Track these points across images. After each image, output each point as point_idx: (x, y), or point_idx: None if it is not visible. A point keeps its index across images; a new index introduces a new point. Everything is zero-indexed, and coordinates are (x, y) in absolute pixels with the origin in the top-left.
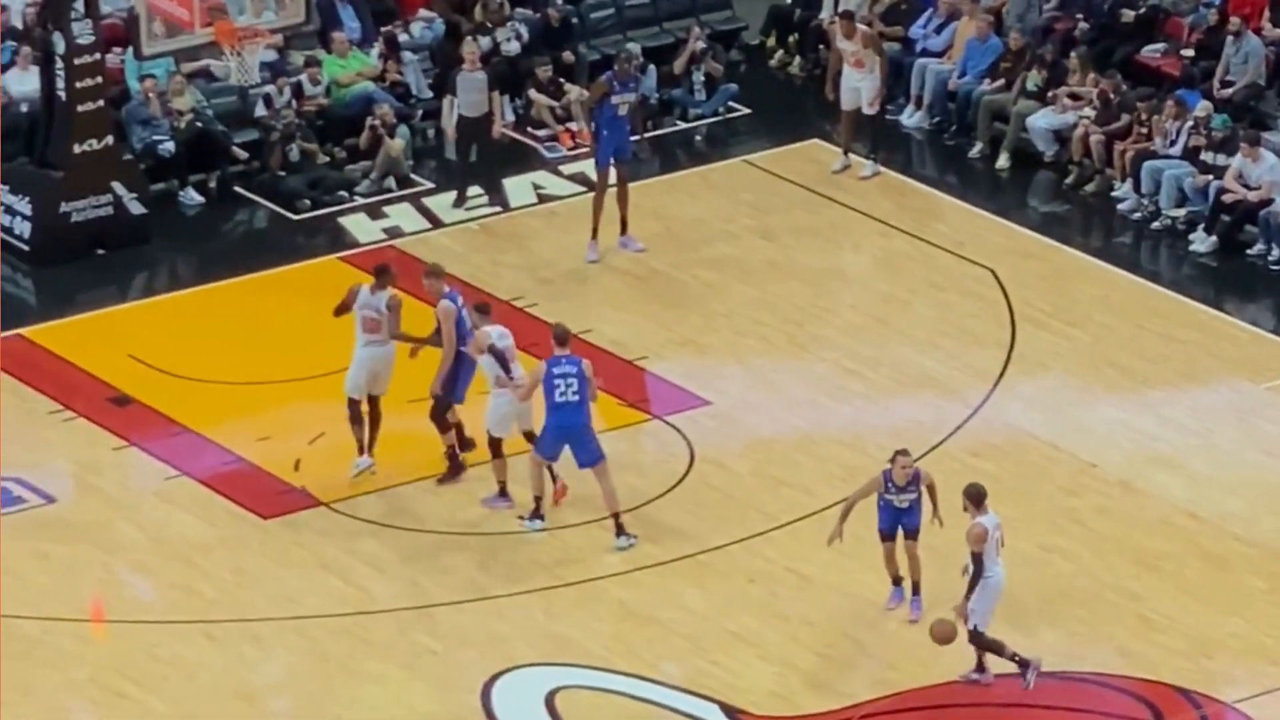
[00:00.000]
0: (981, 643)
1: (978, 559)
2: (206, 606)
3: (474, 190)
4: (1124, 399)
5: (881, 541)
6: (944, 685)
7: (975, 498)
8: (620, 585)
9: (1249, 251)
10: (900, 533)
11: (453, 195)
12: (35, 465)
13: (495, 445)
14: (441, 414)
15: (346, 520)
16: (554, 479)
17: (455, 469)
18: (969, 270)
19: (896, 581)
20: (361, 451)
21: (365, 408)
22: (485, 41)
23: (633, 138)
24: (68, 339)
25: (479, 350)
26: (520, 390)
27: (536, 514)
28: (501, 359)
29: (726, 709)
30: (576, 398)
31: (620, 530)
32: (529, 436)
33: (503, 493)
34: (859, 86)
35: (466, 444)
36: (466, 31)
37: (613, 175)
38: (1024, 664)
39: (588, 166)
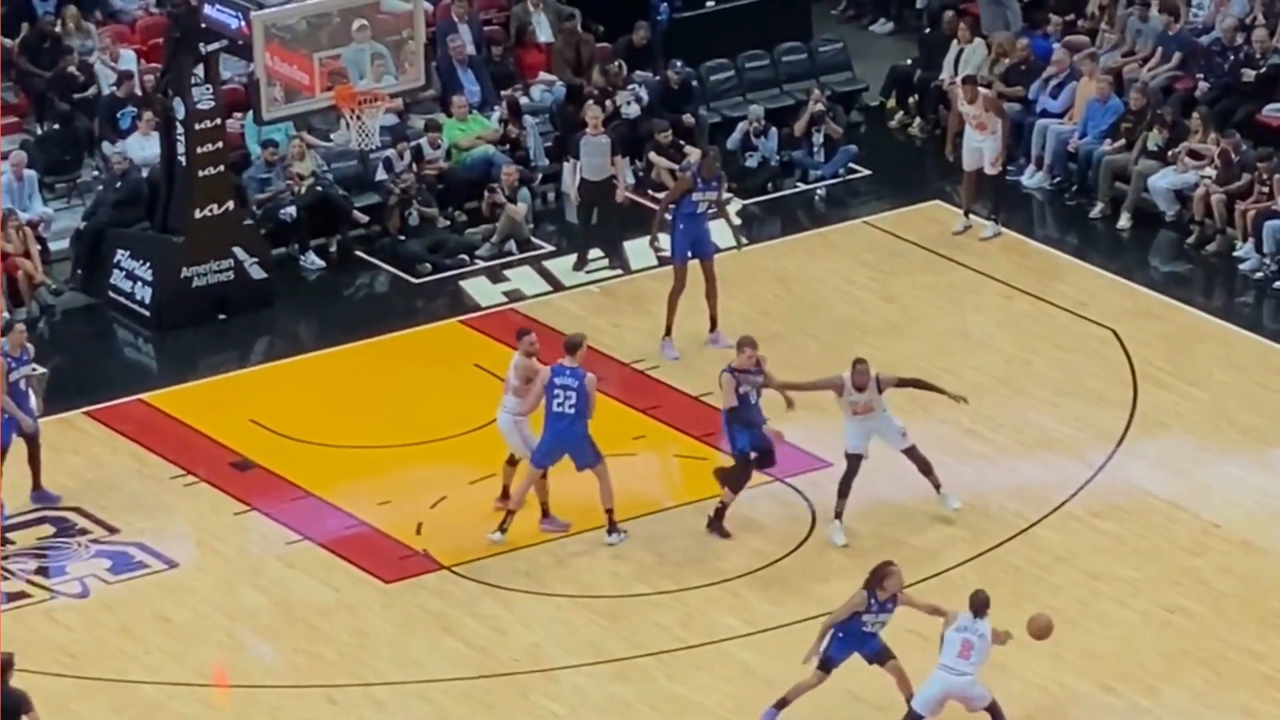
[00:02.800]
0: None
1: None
2: (329, 670)
3: (595, 253)
4: (1246, 458)
5: (821, 669)
6: None
7: (977, 605)
8: (743, 647)
9: None
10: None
11: (573, 258)
12: (157, 530)
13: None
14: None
15: (468, 584)
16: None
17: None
18: (1090, 330)
19: (784, 704)
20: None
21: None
22: (605, 105)
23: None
24: (189, 404)
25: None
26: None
27: (503, 529)
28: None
29: None
30: (573, 410)
31: (612, 527)
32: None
33: (546, 514)
34: (980, 147)
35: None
36: (588, 95)
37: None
38: None
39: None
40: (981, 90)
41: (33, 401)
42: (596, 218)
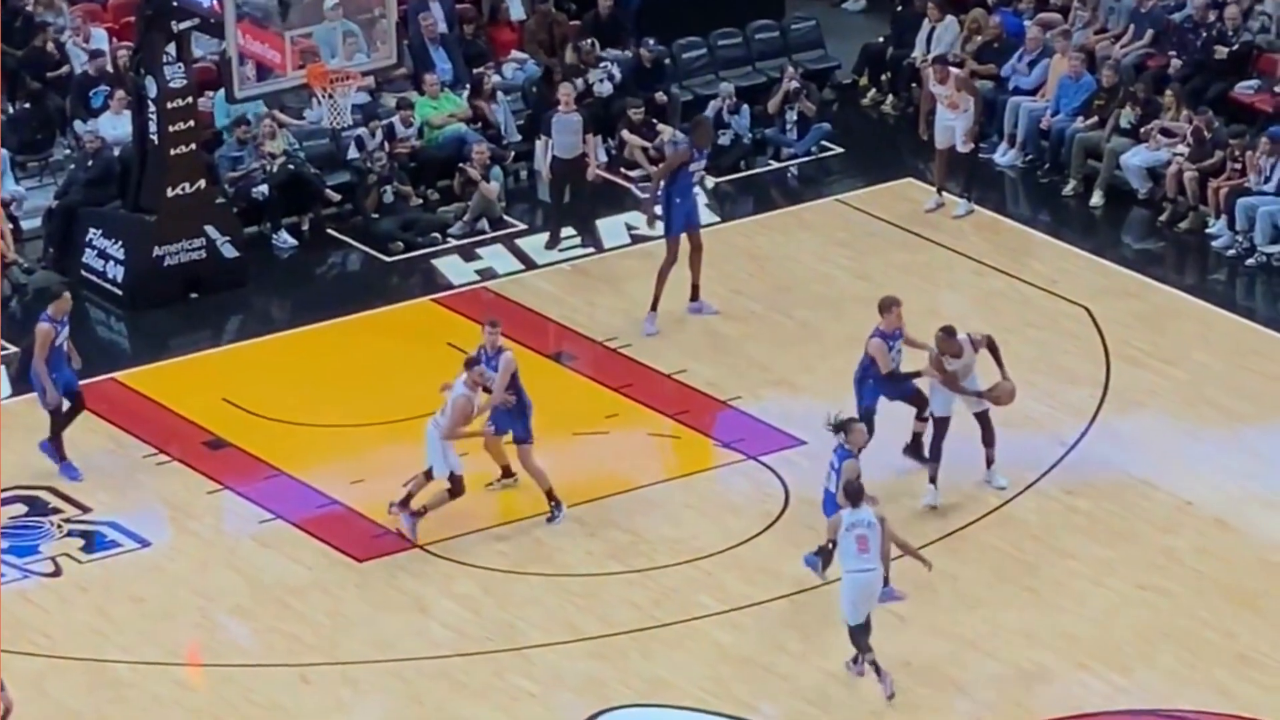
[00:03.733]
0: (854, 640)
1: (830, 546)
2: (302, 650)
3: (567, 231)
4: (1220, 436)
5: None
6: None
7: (851, 494)
8: (717, 626)
9: None
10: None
11: (546, 237)
12: (130, 509)
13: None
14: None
15: (442, 562)
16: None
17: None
18: (1063, 308)
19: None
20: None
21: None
22: (578, 83)
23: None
24: (161, 383)
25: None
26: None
27: (558, 504)
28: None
29: None
30: None
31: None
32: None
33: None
34: (953, 125)
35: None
36: (560, 74)
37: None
38: (879, 673)
39: None
40: (953, 70)
41: (75, 363)
42: (569, 196)
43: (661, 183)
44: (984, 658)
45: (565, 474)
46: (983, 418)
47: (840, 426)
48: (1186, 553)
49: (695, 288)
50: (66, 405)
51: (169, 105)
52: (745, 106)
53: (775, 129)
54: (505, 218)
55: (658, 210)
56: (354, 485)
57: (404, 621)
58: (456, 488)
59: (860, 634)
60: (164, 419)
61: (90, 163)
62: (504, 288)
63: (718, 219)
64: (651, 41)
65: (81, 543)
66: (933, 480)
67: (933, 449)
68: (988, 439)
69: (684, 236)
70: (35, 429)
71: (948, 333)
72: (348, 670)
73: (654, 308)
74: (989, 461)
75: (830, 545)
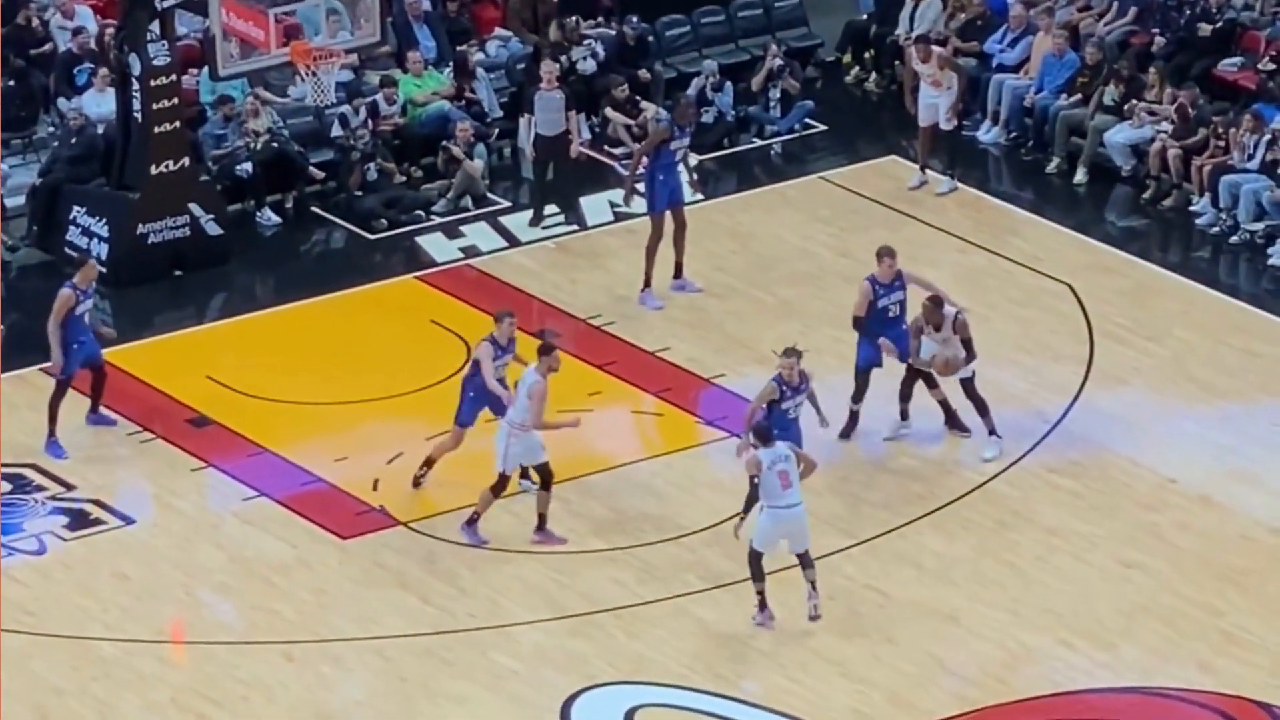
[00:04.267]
0: (751, 561)
1: (753, 486)
2: (286, 627)
3: (551, 209)
4: (1203, 413)
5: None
6: (1025, 701)
7: (760, 434)
8: (700, 603)
9: None
10: None
11: (529, 214)
12: (114, 487)
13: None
14: None
15: (425, 540)
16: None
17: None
18: (1047, 285)
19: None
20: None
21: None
22: (561, 60)
23: (686, 181)
24: (145, 360)
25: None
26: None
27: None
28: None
29: None
30: None
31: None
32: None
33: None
34: (936, 102)
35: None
36: (545, 51)
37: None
38: (762, 606)
39: None
40: (935, 49)
41: (102, 329)
42: (552, 173)
43: (644, 160)
44: (966, 634)
45: (549, 451)
46: (967, 385)
47: (785, 353)
48: (1169, 529)
49: (679, 265)
50: (91, 375)
51: (153, 83)
52: (728, 84)
53: (758, 107)
54: (489, 195)
55: (639, 188)
56: (338, 463)
57: (387, 599)
58: (500, 483)
59: (758, 560)
60: (148, 396)
61: (74, 140)
62: (487, 265)
63: (700, 197)
64: (635, 19)
65: (65, 520)
66: (903, 416)
67: (903, 392)
68: (952, 415)
69: (668, 213)
70: (18, 406)
71: (935, 303)
72: (331, 648)
73: (647, 285)
74: (960, 428)
75: (754, 480)
